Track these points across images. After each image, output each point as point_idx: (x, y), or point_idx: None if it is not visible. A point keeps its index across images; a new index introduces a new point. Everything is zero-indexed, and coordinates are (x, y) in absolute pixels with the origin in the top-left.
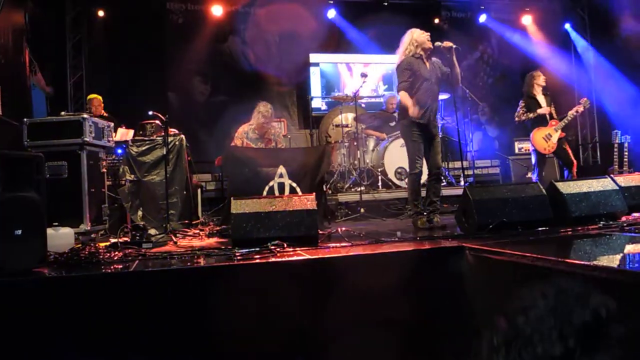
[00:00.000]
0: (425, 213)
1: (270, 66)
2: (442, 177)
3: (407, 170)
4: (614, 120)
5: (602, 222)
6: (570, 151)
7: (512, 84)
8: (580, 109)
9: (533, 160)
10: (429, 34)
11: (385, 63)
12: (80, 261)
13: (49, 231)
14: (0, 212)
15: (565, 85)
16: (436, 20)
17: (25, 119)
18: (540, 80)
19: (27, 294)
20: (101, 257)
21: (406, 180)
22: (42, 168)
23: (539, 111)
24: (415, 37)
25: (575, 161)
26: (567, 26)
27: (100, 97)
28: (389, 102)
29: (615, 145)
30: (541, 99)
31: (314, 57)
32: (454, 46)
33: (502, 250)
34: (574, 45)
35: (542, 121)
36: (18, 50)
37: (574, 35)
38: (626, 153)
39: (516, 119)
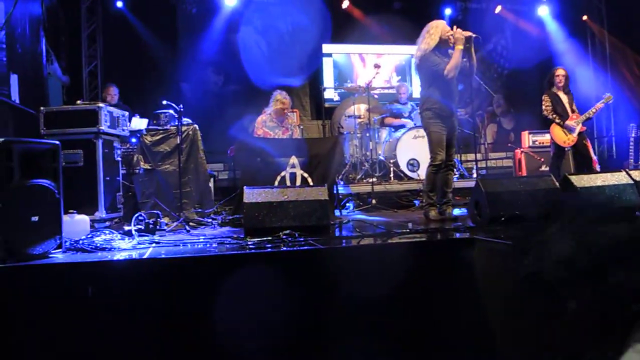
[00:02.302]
0: (437, 205)
1: (283, 56)
2: (454, 169)
3: (419, 161)
4: (630, 113)
5: None
6: (590, 147)
7: (528, 76)
8: (601, 105)
9: (552, 152)
10: (449, 29)
11: (398, 54)
12: (95, 248)
13: (65, 218)
14: (17, 199)
15: (582, 78)
16: (450, 11)
17: (41, 108)
18: (559, 78)
19: (44, 279)
20: (116, 244)
21: (418, 172)
22: (59, 156)
23: (567, 123)
24: (439, 29)
25: (594, 158)
26: (585, 18)
27: (115, 87)
28: (400, 92)
29: (631, 139)
30: (562, 96)
31: (326, 48)
32: (474, 35)
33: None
34: (590, 37)
35: (563, 114)
36: (35, 40)
37: (591, 26)
38: None
39: (544, 112)
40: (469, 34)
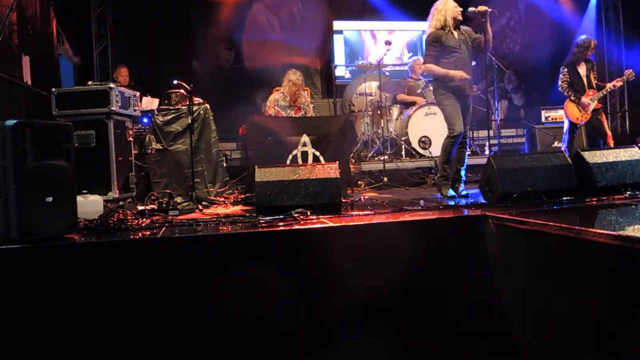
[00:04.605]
0: (451, 180)
1: (294, 33)
2: (467, 146)
3: (430, 138)
4: None
5: (628, 192)
6: (605, 122)
7: (540, 51)
8: (620, 82)
9: (565, 128)
10: (460, 9)
11: (409, 30)
12: (109, 227)
13: (79, 198)
14: (32, 179)
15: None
16: None
17: (53, 89)
18: (581, 49)
19: (58, 259)
20: (129, 223)
21: (430, 149)
22: (72, 137)
23: (583, 101)
24: (447, 7)
25: (609, 133)
26: None
27: (126, 68)
28: (415, 67)
29: None
30: (582, 69)
31: (337, 25)
32: (489, 10)
33: (526, 220)
34: (603, 11)
35: (580, 90)
36: (45, 21)
37: (603, 1)
38: None
39: (559, 88)
40: (484, 8)
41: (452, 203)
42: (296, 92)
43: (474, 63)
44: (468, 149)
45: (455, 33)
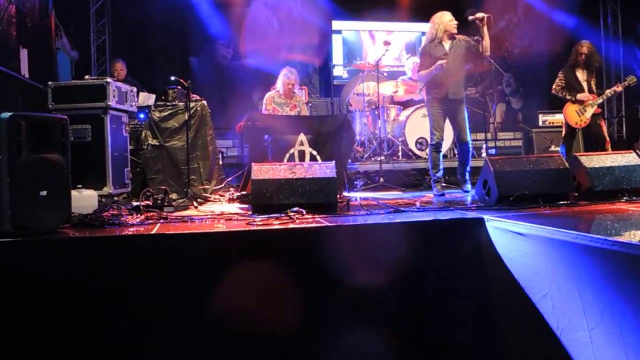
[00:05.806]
0: (443, 181)
1: (292, 32)
2: (471, 149)
3: (427, 140)
4: None
5: (625, 198)
6: (604, 128)
7: (539, 54)
8: (620, 88)
9: (563, 132)
10: (456, 23)
11: (408, 31)
12: (103, 223)
13: (73, 193)
14: (26, 173)
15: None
16: None
17: (50, 83)
18: (577, 54)
19: (51, 254)
20: (124, 219)
21: (427, 150)
22: (67, 131)
23: (579, 97)
24: (442, 20)
25: (608, 138)
26: None
27: (122, 63)
28: (413, 68)
29: None
30: (580, 74)
31: (336, 25)
32: (486, 15)
33: (522, 223)
34: (603, 15)
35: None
36: (44, 14)
37: (603, 3)
38: None
39: (553, 91)
40: (480, 15)
41: (448, 205)
42: (290, 87)
43: (468, 66)
44: (474, 153)
45: (447, 44)
